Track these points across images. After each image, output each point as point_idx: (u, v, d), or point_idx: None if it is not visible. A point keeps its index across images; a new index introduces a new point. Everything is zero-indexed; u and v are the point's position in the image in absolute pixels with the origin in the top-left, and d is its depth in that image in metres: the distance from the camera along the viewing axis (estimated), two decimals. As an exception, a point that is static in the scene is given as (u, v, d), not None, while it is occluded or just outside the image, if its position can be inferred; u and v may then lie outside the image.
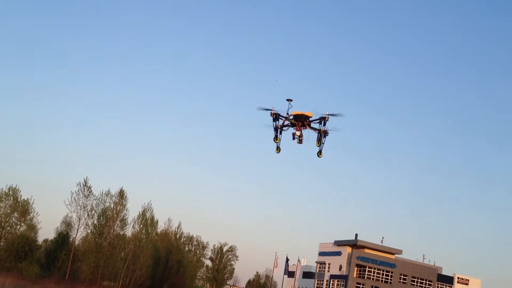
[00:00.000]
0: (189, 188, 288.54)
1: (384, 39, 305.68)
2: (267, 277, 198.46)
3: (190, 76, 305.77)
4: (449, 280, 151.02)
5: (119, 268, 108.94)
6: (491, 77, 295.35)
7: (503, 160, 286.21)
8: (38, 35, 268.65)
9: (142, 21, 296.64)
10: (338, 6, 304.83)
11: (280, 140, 37.39)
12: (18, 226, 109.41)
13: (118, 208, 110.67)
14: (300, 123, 36.44)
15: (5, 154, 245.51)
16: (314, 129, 37.06)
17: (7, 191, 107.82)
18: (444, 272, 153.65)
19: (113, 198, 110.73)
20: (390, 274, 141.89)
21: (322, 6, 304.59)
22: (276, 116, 36.70)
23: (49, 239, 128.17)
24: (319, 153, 37.84)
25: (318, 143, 37.31)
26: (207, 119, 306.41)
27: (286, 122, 36.92)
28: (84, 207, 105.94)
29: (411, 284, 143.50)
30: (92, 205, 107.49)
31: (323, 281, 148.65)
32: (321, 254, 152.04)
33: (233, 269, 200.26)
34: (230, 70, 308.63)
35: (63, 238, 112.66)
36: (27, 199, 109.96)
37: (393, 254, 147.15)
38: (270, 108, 36.71)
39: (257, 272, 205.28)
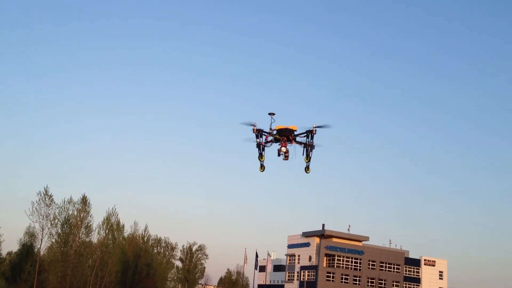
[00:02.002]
0: (153, 191, 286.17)
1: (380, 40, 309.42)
2: (238, 273, 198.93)
3: (154, 79, 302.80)
4: (416, 262, 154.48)
5: (88, 275, 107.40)
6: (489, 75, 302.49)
7: (465, 138, 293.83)
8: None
9: (128, 24, 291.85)
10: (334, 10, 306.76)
11: (264, 158, 35.16)
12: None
13: (81, 215, 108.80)
14: (285, 138, 34.29)
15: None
16: (300, 143, 35.15)
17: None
18: (411, 256, 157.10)
19: (75, 205, 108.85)
20: (359, 261, 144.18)
21: (318, 11, 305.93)
22: (259, 133, 34.44)
23: (13, 251, 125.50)
24: (307, 169, 35.98)
25: (307, 159, 35.54)
26: (167, 120, 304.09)
27: (270, 138, 34.71)
28: (46, 216, 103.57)
29: (380, 269, 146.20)
30: (54, 214, 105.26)
31: (293, 273, 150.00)
32: (290, 246, 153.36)
33: (204, 268, 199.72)
34: (210, 72, 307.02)
35: (27, 249, 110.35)
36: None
37: (360, 241, 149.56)
38: (253, 124, 34.44)
39: (228, 269, 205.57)
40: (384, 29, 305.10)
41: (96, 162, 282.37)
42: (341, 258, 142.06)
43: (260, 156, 34.89)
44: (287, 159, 34.65)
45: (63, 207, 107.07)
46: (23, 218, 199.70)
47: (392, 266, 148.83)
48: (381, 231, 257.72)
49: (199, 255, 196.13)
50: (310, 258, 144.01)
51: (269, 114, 34.50)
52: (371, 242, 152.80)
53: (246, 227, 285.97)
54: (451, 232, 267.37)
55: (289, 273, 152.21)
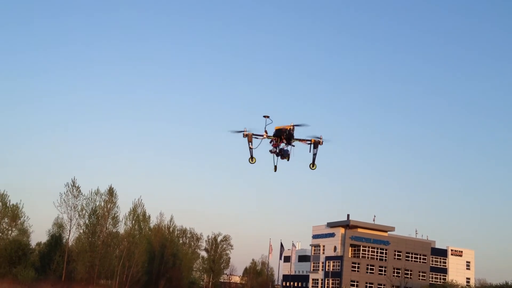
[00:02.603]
0: (178, 181, 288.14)
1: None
2: (263, 263, 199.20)
3: (178, 72, 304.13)
4: (443, 253, 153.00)
5: (115, 265, 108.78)
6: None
7: (492, 135, 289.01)
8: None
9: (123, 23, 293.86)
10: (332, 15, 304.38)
11: (255, 159, 35.59)
12: (10, 232, 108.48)
13: (108, 206, 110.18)
14: (278, 138, 34.57)
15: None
16: (304, 140, 35.16)
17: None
18: (437, 246, 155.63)
19: (102, 196, 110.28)
20: (384, 251, 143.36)
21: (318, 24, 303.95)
22: (250, 137, 34.81)
23: (42, 242, 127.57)
24: (312, 165, 36.08)
25: (313, 166, 36.05)
26: (194, 114, 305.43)
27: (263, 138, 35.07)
28: (74, 207, 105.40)
29: (406, 260, 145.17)
30: (82, 205, 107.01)
31: (318, 263, 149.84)
32: (315, 237, 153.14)
33: (229, 258, 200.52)
34: (225, 67, 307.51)
35: (56, 240, 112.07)
36: (16, 203, 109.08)
37: (386, 231, 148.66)
38: (242, 130, 34.82)
39: (253, 260, 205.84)
40: (386, 20, 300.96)
41: (123, 154, 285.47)
42: (367, 249, 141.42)
43: (251, 158, 35.35)
44: (286, 158, 35.09)
45: (90, 198, 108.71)
46: (52, 209, 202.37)
47: (418, 256, 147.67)
48: (407, 221, 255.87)
49: (224, 246, 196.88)
50: (335, 248, 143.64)
51: (264, 116, 34.59)
52: (397, 232, 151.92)
53: (271, 218, 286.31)
54: (478, 221, 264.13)
55: (314, 263, 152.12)
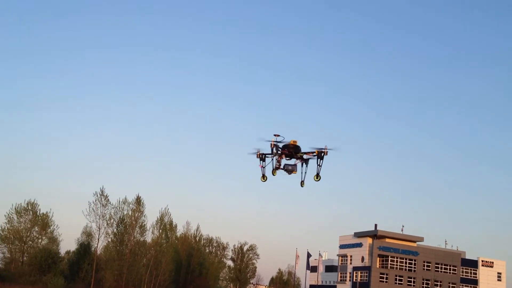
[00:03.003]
0: (205, 191, 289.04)
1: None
2: (289, 273, 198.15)
3: (201, 81, 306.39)
4: (473, 264, 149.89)
5: (142, 274, 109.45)
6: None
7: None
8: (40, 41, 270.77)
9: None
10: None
11: (267, 178, 37.70)
12: (40, 240, 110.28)
13: (136, 215, 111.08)
14: (285, 154, 36.19)
15: (20, 168, 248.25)
16: (304, 158, 36.36)
17: (26, 206, 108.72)
18: (467, 256, 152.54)
19: (130, 205, 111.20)
20: (413, 262, 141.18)
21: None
22: (262, 157, 36.94)
23: (71, 250, 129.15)
24: (316, 177, 36.96)
25: (317, 178, 36.92)
26: (220, 123, 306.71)
27: (275, 158, 36.86)
28: (102, 216, 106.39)
29: (435, 270, 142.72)
30: (110, 214, 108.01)
31: (346, 273, 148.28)
32: (342, 246, 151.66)
33: (255, 267, 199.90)
34: (238, 74, 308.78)
35: (84, 248, 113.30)
36: (46, 212, 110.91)
37: (414, 241, 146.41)
38: (256, 152, 37.02)
39: (279, 269, 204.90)
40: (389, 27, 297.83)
41: (150, 163, 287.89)
42: (395, 259, 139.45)
43: (263, 177, 37.47)
44: (289, 173, 36.67)
45: (118, 207, 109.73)
46: (81, 218, 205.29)
47: (448, 267, 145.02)
48: (436, 231, 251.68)
49: (250, 255, 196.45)
50: (362, 258, 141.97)
51: (274, 135, 36.07)
52: (426, 242, 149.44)
53: (297, 227, 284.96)
54: (510, 232, 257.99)
55: (341, 273, 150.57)
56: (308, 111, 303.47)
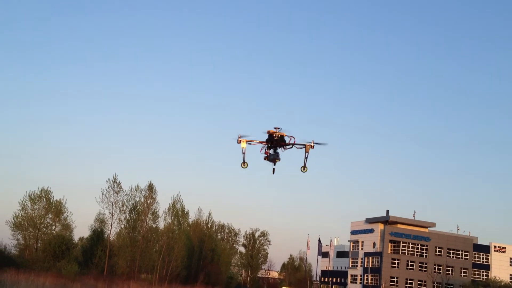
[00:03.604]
0: (216, 177, 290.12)
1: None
2: (301, 259, 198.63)
3: (211, 68, 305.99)
4: (485, 249, 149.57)
5: (155, 260, 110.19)
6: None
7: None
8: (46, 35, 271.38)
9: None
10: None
11: (247, 165, 37.07)
12: (53, 227, 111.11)
13: (148, 201, 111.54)
14: (270, 144, 35.71)
15: (34, 155, 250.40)
16: (296, 144, 36.05)
17: (39, 193, 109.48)
18: (479, 242, 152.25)
19: (142, 192, 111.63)
20: (425, 247, 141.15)
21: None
22: (245, 143, 36.24)
23: (85, 237, 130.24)
24: (303, 168, 36.84)
25: (303, 168, 36.74)
26: (231, 110, 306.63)
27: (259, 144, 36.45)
28: (115, 203, 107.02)
29: (447, 256, 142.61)
30: (123, 201, 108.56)
31: (357, 259, 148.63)
32: (353, 232, 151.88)
33: (267, 254, 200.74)
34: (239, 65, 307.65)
35: (98, 235, 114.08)
36: (60, 199, 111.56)
37: (426, 227, 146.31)
38: (237, 137, 36.28)
39: (290, 255, 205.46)
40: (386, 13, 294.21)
41: (161, 150, 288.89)
42: (406, 245, 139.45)
43: (243, 163, 36.75)
44: (269, 160, 36.04)
45: (130, 194, 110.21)
46: (94, 205, 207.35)
47: (460, 252, 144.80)
48: (448, 217, 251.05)
49: (262, 241, 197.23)
50: (374, 244, 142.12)
51: (275, 128, 35.67)
52: (438, 228, 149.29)
53: (309, 213, 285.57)
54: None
55: (352, 259, 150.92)
56: (318, 99, 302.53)
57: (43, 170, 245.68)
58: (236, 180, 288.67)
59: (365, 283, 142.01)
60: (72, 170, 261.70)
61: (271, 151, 36.02)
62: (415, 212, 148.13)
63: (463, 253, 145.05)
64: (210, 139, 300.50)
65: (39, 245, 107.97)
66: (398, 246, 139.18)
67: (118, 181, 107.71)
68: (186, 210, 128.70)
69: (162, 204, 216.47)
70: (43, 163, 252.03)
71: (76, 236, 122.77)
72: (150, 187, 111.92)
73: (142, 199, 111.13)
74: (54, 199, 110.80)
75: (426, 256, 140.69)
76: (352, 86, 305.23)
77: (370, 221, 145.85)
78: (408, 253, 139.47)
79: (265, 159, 36.46)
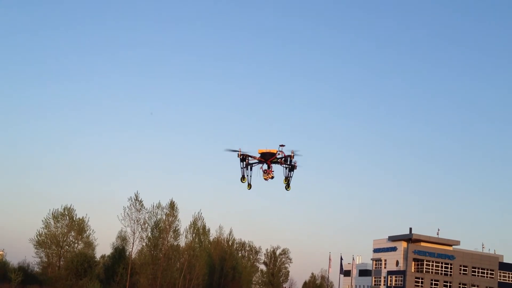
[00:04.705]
0: (238, 195, 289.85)
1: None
2: (322, 277, 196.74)
3: (236, 88, 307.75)
4: (511, 267, 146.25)
5: (176, 278, 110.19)
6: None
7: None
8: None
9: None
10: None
11: (247, 179, 38.42)
12: (76, 245, 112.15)
13: (170, 219, 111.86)
14: (264, 160, 37.32)
15: (57, 173, 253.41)
16: (282, 162, 37.73)
17: (62, 211, 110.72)
18: (505, 260, 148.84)
19: (164, 210, 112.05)
20: (449, 266, 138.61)
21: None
22: (243, 157, 37.39)
23: (106, 254, 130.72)
24: (287, 187, 38.37)
25: (285, 181, 38.30)
26: (249, 128, 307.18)
27: (256, 161, 37.84)
28: (137, 221, 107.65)
29: (472, 275, 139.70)
30: (144, 219, 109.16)
31: (380, 277, 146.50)
32: (376, 251, 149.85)
33: (288, 272, 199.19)
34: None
35: (119, 252, 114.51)
36: (82, 217, 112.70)
37: (450, 245, 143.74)
38: (237, 149, 37.46)
39: (312, 273, 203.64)
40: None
41: (183, 168, 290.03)
42: (430, 263, 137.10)
43: (243, 177, 38.00)
44: (267, 179, 37.88)
45: (152, 212, 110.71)
46: (116, 223, 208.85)
47: (486, 271, 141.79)
48: (473, 235, 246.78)
49: (283, 259, 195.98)
50: (397, 262, 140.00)
51: (280, 145, 37.47)
52: (462, 246, 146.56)
53: (330, 231, 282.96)
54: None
55: (375, 277, 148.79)
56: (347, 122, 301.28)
57: (66, 188, 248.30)
58: (257, 198, 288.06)
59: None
60: (95, 188, 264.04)
61: (265, 166, 37.59)
62: (438, 230, 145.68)
63: (489, 271, 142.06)
64: (230, 158, 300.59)
65: (61, 262, 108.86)
66: (422, 264, 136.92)
67: (139, 199, 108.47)
68: (207, 227, 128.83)
69: (183, 221, 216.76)
70: (66, 181, 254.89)
71: (98, 254, 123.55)
72: (172, 205, 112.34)
73: (164, 217, 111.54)
74: (77, 217, 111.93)
75: (450, 274, 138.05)
76: (377, 108, 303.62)
77: (393, 239, 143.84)
78: (432, 272, 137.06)
79: (264, 178, 37.89)
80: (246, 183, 38.46)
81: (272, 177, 38.16)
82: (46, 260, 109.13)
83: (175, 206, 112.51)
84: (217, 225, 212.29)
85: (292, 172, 37.81)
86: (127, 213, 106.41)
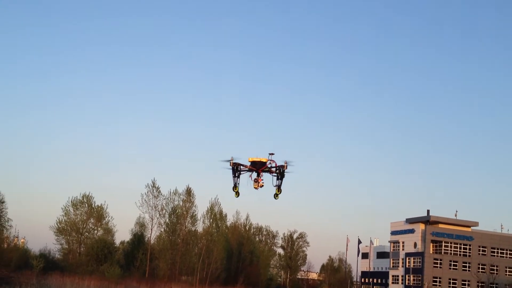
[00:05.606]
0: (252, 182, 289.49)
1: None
2: (340, 260, 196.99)
3: (257, 78, 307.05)
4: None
5: (195, 262, 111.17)
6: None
7: None
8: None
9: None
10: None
11: (238, 189, 38.39)
12: (95, 231, 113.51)
13: (187, 205, 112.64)
14: (255, 169, 37.47)
15: (75, 161, 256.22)
16: (272, 172, 37.79)
17: (81, 198, 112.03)
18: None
19: (181, 196, 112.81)
20: (468, 247, 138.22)
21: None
22: (236, 167, 37.47)
23: (126, 240, 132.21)
24: (276, 196, 38.49)
25: (278, 191, 38.41)
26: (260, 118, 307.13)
27: (246, 169, 37.94)
28: (155, 207, 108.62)
29: (491, 255, 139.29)
30: (162, 205, 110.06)
31: (398, 259, 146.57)
32: (394, 233, 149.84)
33: (305, 255, 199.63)
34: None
35: (138, 238, 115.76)
36: (101, 204, 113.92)
37: (469, 226, 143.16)
38: (229, 159, 37.51)
39: (329, 256, 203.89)
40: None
41: (197, 154, 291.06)
42: (449, 244, 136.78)
43: (235, 186, 37.98)
44: (257, 188, 37.99)
45: (169, 198, 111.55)
46: (134, 210, 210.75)
47: (505, 251, 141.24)
48: (491, 216, 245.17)
49: (300, 243, 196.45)
50: (415, 244, 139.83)
51: (270, 154, 37.64)
52: (481, 227, 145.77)
53: (348, 215, 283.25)
54: None
55: (393, 259, 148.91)
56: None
57: (84, 176, 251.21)
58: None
59: (406, 283, 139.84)
60: (113, 176, 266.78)
61: (254, 175, 37.82)
62: (456, 211, 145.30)
63: (508, 252, 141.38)
64: (244, 143, 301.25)
65: (82, 249, 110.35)
66: (440, 246, 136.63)
67: (157, 186, 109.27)
68: (224, 213, 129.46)
69: (200, 207, 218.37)
70: (84, 169, 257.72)
71: (117, 240, 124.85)
72: (188, 191, 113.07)
73: (181, 203, 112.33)
74: (96, 205, 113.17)
75: (469, 255, 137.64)
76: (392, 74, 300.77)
77: (410, 221, 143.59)
78: (450, 253, 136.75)
79: (254, 187, 38.02)
80: (235, 192, 38.90)
81: (262, 186, 38.10)
82: (66, 246, 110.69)
83: (192, 192, 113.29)
84: (234, 210, 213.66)
85: (282, 180, 38.05)
86: (145, 200, 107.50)
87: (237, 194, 38.91)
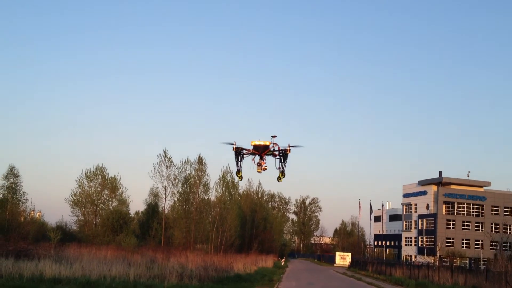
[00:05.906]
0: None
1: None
2: (353, 224, 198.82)
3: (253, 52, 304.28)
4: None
5: (209, 230, 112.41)
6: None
7: None
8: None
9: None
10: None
11: (241, 173, 38.34)
12: (110, 202, 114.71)
13: (199, 174, 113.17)
14: (258, 153, 37.01)
15: (88, 134, 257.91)
16: (275, 155, 37.43)
17: (95, 170, 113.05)
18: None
19: (193, 165, 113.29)
20: (480, 207, 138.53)
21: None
22: (238, 151, 37.14)
23: (140, 211, 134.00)
24: (279, 179, 38.16)
25: (281, 174, 37.92)
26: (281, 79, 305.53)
27: (249, 153, 37.68)
28: (167, 177, 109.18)
29: (504, 215, 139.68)
30: (174, 175, 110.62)
31: (411, 221, 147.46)
32: (406, 195, 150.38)
33: (318, 220, 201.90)
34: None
35: (152, 208, 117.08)
36: (114, 176, 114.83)
37: (481, 187, 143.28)
38: (232, 142, 37.13)
39: (342, 221, 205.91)
40: None
41: (209, 123, 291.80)
42: (462, 205, 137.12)
43: (238, 172, 37.92)
44: (260, 172, 37.54)
45: (181, 168, 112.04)
46: (147, 180, 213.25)
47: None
48: (504, 175, 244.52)
49: (313, 208, 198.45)
50: (427, 206, 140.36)
51: (272, 136, 37.34)
52: (494, 187, 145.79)
53: (359, 179, 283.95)
54: None
55: (406, 222, 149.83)
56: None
57: (97, 148, 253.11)
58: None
59: (420, 245, 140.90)
60: (125, 146, 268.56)
61: (257, 159, 37.41)
62: (469, 172, 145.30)
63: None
64: (256, 111, 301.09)
65: (97, 220, 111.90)
66: (453, 207, 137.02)
67: (169, 156, 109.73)
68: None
69: (213, 176, 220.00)
70: (97, 141, 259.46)
71: (132, 211, 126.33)
72: (200, 160, 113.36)
73: (193, 172, 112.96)
74: (109, 176, 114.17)
75: (482, 215, 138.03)
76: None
77: (422, 183, 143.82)
78: (463, 214, 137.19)
79: (260, 170, 37.68)
80: (239, 176, 38.92)
81: (265, 169, 37.85)
82: (82, 218, 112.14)
83: (204, 161, 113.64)
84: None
85: (285, 163, 37.76)
86: (157, 170, 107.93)
87: (240, 178, 39.22)
